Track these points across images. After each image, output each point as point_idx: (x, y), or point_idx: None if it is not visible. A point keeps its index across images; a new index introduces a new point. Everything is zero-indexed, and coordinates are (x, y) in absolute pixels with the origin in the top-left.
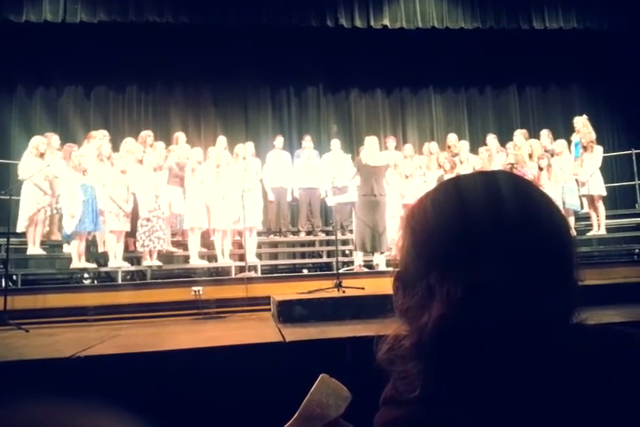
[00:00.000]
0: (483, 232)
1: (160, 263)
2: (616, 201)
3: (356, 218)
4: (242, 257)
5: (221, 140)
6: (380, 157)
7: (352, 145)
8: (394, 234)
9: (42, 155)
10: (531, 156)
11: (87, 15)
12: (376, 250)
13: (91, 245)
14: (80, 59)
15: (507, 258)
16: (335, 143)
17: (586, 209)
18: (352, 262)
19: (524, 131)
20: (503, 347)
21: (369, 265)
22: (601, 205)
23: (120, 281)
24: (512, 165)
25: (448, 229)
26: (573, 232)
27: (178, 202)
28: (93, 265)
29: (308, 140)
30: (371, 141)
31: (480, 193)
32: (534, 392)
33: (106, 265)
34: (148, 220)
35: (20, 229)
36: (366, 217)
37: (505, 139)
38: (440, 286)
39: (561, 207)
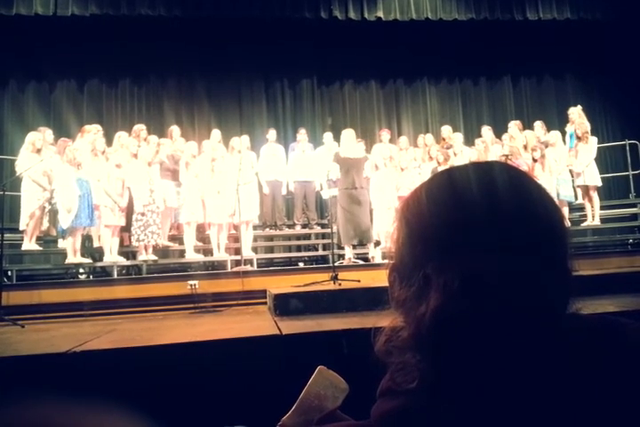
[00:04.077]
0: (477, 222)
1: (156, 258)
2: (610, 192)
3: (339, 211)
4: (237, 251)
5: (216, 133)
6: (356, 150)
7: None
8: (389, 226)
9: (38, 151)
10: (525, 147)
11: (78, 8)
12: (363, 242)
13: (86, 240)
14: (72, 52)
15: (502, 248)
16: (328, 136)
17: (580, 200)
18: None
19: (519, 122)
20: (500, 336)
21: (364, 258)
22: (595, 196)
23: (116, 276)
24: (506, 156)
25: (443, 220)
26: (567, 223)
27: (170, 196)
28: (88, 260)
29: (302, 133)
30: (346, 134)
31: (474, 183)
32: (532, 382)
33: (101, 260)
34: (143, 214)
35: (23, 227)
36: (350, 210)
37: (499, 130)
38: (437, 277)
39: (555, 198)
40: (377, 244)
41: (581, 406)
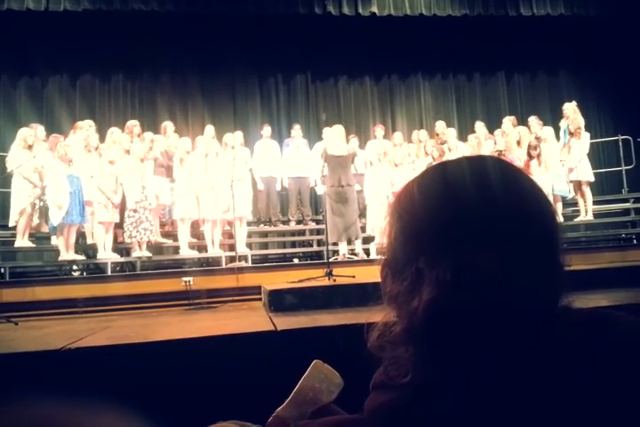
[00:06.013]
0: (470, 216)
1: (150, 254)
2: (603, 187)
3: (327, 209)
4: (232, 247)
5: (209, 129)
6: (343, 147)
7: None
8: (382, 222)
9: (30, 147)
10: (519, 142)
11: (71, 4)
12: (351, 239)
13: (79, 237)
14: (65, 48)
15: (494, 242)
16: (326, 132)
17: (573, 195)
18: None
19: (513, 117)
20: (493, 329)
21: (354, 254)
22: (588, 191)
23: (109, 272)
24: (500, 151)
25: (435, 214)
26: (560, 217)
27: (164, 193)
28: (82, 257)
29: (297, 129)
30: (334, 131)
31: (466, 177)
32: (524, 376)
33: (95, 257)
34: (135, 211)
35: (12, 224)
36: (337, 207)
37: (493, 126)
38: (429, 271)
39: (550, 193)
40: (371, 239)
41: (577, 399)
